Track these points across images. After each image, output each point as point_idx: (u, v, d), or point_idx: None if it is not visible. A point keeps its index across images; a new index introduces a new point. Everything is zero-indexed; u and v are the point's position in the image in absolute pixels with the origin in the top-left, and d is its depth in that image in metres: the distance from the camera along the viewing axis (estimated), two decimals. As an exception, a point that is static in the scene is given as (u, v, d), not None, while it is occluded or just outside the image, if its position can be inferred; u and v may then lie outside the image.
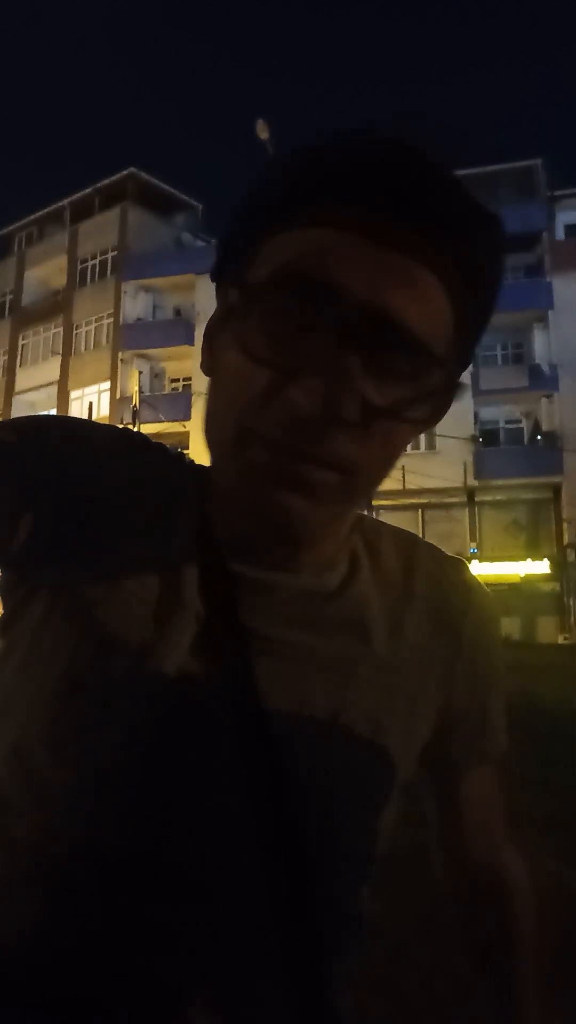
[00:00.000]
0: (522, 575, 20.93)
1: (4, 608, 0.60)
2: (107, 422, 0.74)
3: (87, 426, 0.61)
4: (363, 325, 0.47)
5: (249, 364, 0.50)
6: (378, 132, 0.51)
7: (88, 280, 27.43)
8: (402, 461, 0.54)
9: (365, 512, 0.66)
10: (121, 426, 0.67)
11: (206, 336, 0.58)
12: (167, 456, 0.63)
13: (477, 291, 0.52)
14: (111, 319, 26.08)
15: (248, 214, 0.54)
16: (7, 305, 30.11)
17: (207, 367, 0.57)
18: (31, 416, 0.60)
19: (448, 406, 0.57)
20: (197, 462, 0.64)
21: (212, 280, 0.58)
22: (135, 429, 0.66)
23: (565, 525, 20.91)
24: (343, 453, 0.49)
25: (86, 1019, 0.50)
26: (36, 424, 0.58)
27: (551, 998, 0.66)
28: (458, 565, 0.68)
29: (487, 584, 0.70)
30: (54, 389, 26.98)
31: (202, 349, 0.58)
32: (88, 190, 28.84)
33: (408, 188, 0.49)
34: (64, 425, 0.59)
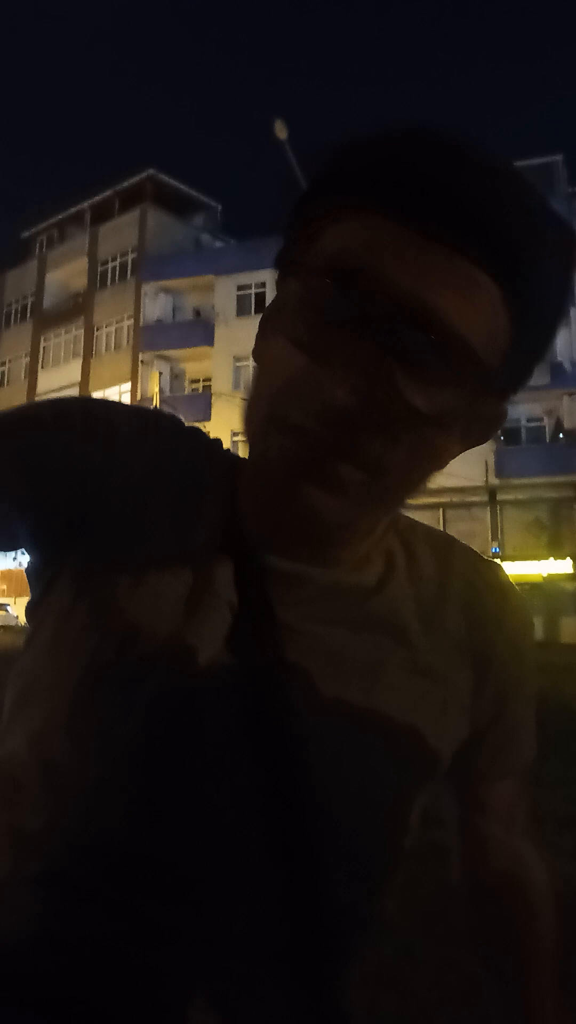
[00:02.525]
0: (544, 574, 20.75)
1: (32, 592, 0.59)
2: None
3: (113, 407, 0.59)
4: (407, 321, 0.47)
5: (290, 349, 0.49)
6: (440, 129, 0.50)
7: (108, 282, 27.57)
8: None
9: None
10: (152, 407, 0.66)
11: (261, 323, 0.57)
12: (200, 440, 0.61)
13: (539, 303, 0.51)
14: (131, 320, 26.19)
15: (307, 202, 0.53)
16: (29, 308, 30.31)
17: (256, 354, 0.56)
18: (54, 399, 0.58)
19: (497, 421, 0.56)
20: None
21: (276, 267, 0.57)
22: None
23: (588, 523, 20.71)
24: (373, 452, 0.49)
25: (88, 1019, 0.50)
26: (59, 406, 0.57)
27: (565, 1000, 0.66)
28: (494, 568, 0.67)
29: (508, 582, 0.69)
30: (76, 390, 27.08)
31: (256, 337, 0.57)
32: (107, 192, 29.00)
33: (466, 186, 0.47)
34: (88, 407, 0.58)
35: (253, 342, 0.58)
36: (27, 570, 0.60)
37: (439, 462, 0.53)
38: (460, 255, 0.47)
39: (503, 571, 0.68)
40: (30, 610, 0.59)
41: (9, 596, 26.96)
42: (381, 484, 0.50)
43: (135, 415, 0.59)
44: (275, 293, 0.57)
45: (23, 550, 0.59)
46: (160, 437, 0.59)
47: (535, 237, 0.49)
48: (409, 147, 0.49)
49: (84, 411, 0.57)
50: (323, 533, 0.54)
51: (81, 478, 0.55)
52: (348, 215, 0.49)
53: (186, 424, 0.62)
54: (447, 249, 0.47)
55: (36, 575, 0.59)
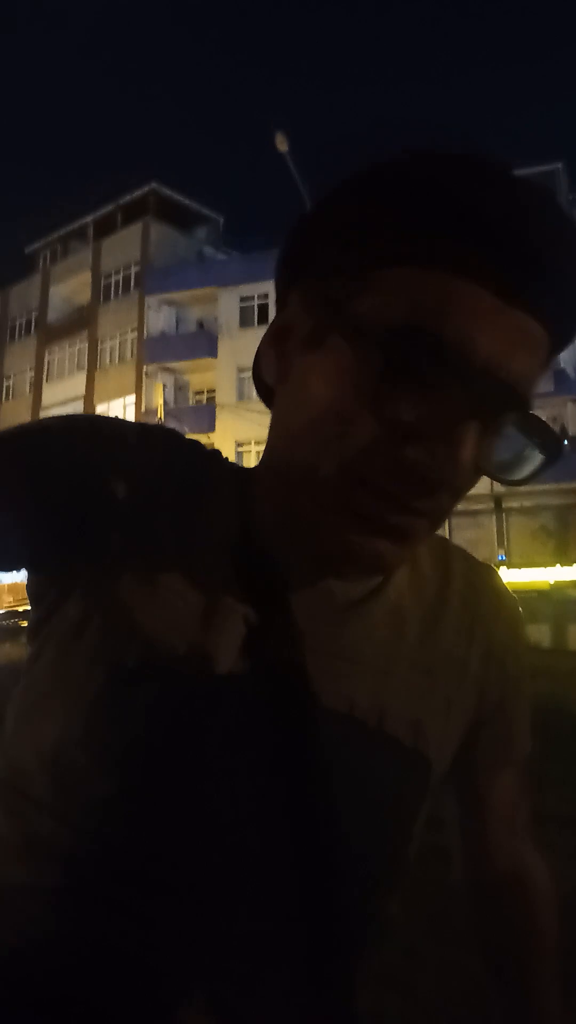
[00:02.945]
0: (551, 581, 20.65)
1: (34, 611, 0.59)
2: None
3: (117, 424, 0.59)
4: (490, 392, 0.47)
5: (361, 409, 0.49)
6: (510, 169, 0.49)
7: (112, 295, 27.64)
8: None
9: None
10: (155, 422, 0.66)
11: (276, 340, 0.56)
12: (202, 453, 0.62)
13: (570, 335, 0.52)
14: (135, 333, 26.24)
15: (360, 231, 0.51)
16: (33, 322, 30.39)
17: (277, 374, 0.56)
18: (59, 416, 0.59)
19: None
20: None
21: (281, 275, 0.56)
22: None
23: (594, 530, 20.63)
24: (442, 507, 0.51)
25: (88, 1019, 0.50)
26: (66, 417, 0.58)
27: (567, 1001, 0.66)
28: (488, 570, 0.69)
29: (516, 591, 0.71)
30: (80, 403, 27.14)
31: (265, 351, 0.56)
32: (110, 206, 29.11)
33: (548, 244, 0.47)
34: (92, 423, 0.58)
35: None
36: (28, 589, 0.60)
37: None
38: (533, 316, 0.48)
39: (496, 572, 0.69)
40: (33, 628, 0.59)
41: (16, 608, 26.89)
42: (437, 527, 0.54)
43: (138, 427, 0.60)
44: (286, 309, 0.56)
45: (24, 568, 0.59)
46: (162, 448, 0.59)
47: None
48: (487, 194, 0.47)
49: (90, 420, 0.58)
50: (379, 570, 0.56)
51: (81, 476, 0.55)
52: (425, 263, 0.48)
53: (191, 434, 0.63)
54: (524, 311, 0.48)
55: (38, 594, 0.59)
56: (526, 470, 0.52)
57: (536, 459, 0.52)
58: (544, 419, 0.51)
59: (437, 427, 0.47)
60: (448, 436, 0.47)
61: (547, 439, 0.52)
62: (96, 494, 0.55)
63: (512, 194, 0.48)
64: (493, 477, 0.52)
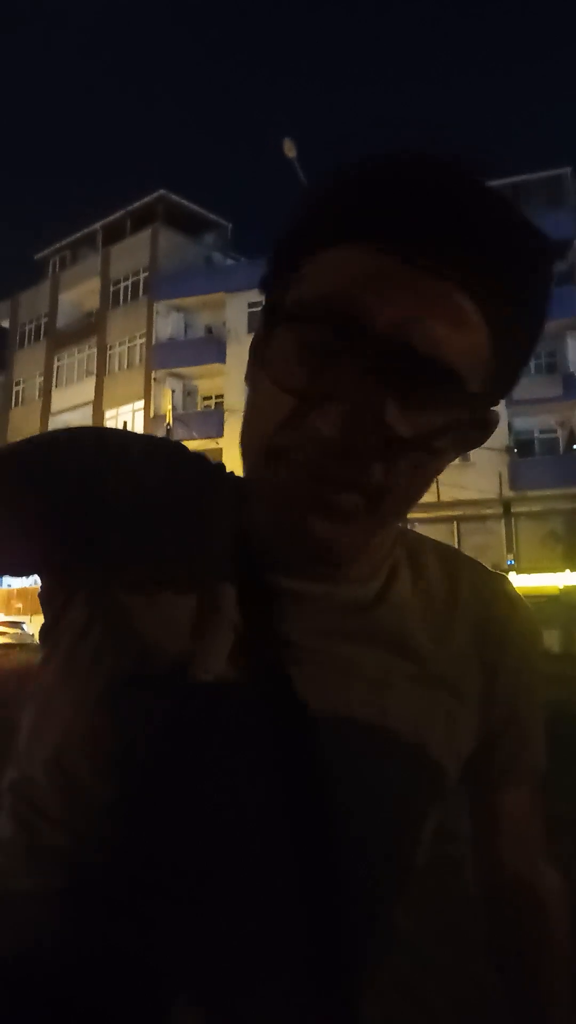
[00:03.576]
0: (561, 586, 20.60)
1: (45, 616, 0.60)
2: None
3: (123, 435, 0.61)
4: (391, 355, 0.47)
5: (277, 390, 0.50)
6: (417, 150, 0.50)
7: (121, 301, 27.79)
8: (436, 474, 0.55)
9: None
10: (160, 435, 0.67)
11: (252, 348, 0.58)
12: (205, 465, 0.63)
13: (520, 316, 0.52)
14: (144, 339, 26.36)
15: (292, 232, 0.54)
16: (42, 328, 30.59)
17: (249, 379, 0.57)
18: (67, 428, 0.60)
19: (485, 434, 0.56)
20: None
21: (261, 292, 0.58)
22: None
23: (603, 535, 20.56)
24: (367, 478, 0.50)
25: (88, 1019, 0.50)
26: (71, 435, 0.59)
27: None
28: (500, 580, 0.68)
29: (525, 596, 0.70)
30: (89, 409, 27.30)
31: (248, 362, 0.58)
32: (119, 213, 29.31)
33: (448, 210, 0.48)
34: (99, 435, 0.60)
35: None
36: (39, 594, 0.61)
37: (434, 474, 0.54)
38: (444, 281, 0.48)
39: (509, 581, 0.69)
40: (43, 633, 0.61)
41: (25, 614, 27.02)
42: (382, 506, 0.52)
43: (145, 440, 0.61)
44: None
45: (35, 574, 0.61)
46: (168, 462, 0.60)
47: (517, 256, 0.50)
48: (391, 175, 0.49)
49: (96, 432, 0.60)
50: (329, 556, 0.55)
51: (86, 484, 0.56)
52: (335, 246, 0.50)
53: (199, 439, 0.64)
54: (432, 277, 0.47)
55: (48, 599, 0.60)
56: (451, 440, 0.51)
57: (465, 426, 0.52)
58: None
59: (346, 399, 0.47)
60: (344, 400, 0.47)
61: (475, 408, 0.51)
62: (99, 501, 0.56)
63: (422, 167, 0.49)
64: (417, 446, 0.50)
